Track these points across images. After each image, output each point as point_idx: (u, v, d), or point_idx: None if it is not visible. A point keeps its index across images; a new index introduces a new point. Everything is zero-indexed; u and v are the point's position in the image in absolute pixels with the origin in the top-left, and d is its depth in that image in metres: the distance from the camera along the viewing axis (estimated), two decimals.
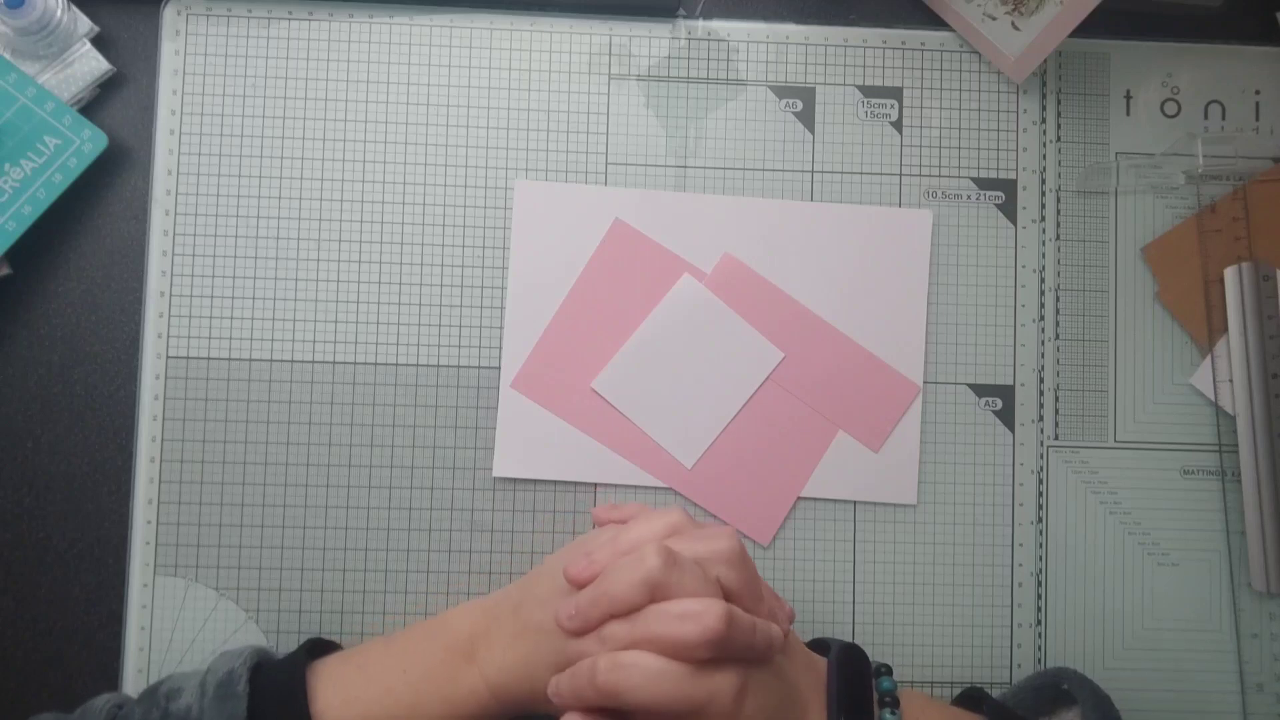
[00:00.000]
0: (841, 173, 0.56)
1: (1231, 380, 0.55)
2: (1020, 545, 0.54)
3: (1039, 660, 0.54)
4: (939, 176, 0.56)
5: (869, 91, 0.56)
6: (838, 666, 0.44)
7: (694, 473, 0.53)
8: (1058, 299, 0.56)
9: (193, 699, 0.43)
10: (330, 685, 0.44)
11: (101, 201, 0.54)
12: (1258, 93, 0.57)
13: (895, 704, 0.44)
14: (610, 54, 0.56)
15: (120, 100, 0.54)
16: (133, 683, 0.51)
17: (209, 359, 0.53)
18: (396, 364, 0.54)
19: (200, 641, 0.52)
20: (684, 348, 0.54)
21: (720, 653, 0.39)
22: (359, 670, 0.45)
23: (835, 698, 0.43)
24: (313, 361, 0.53)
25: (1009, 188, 0.56)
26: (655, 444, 0.53)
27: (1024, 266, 0.56)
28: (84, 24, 0.53)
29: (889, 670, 0.46)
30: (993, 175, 0.56)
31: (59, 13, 0.51)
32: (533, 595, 0.44)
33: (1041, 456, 0.55)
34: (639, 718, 0.40)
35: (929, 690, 0.54)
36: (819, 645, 0.47)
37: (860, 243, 0.55)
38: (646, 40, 0.56)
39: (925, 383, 0.54)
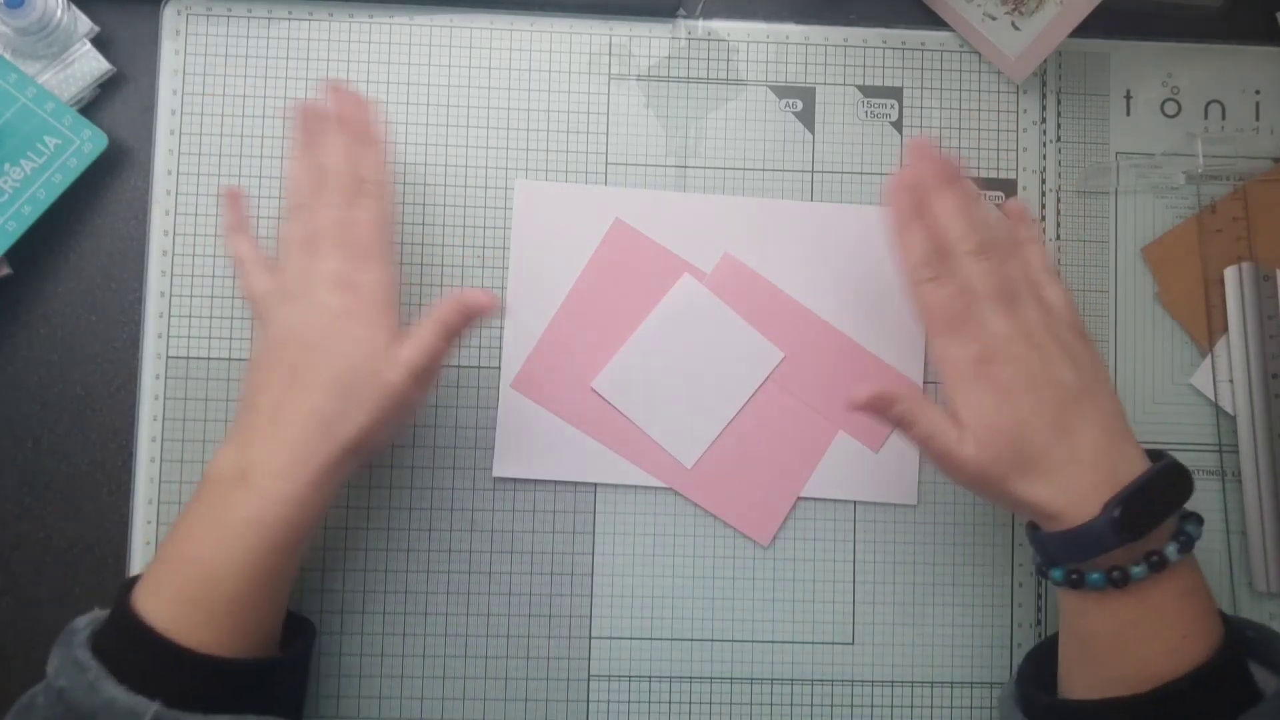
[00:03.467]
0: (841, 173, 0.56)
1: (1231, 380, 0.55)
2: (1020, 545, 0.54)
3: None
4: None
5: (869, 91, 0.56)
6: (1165, 470, 0.44)
7: (694, 472, 0.53)
8: None
9: (48, 676, 0.42)
10: (143, 592, 0.43)
11: (101, 201, 0.54)
12: (1258, 93, 0.57)
13: (1188, 545, 0.43)
14: (610, 54, 0.56)
15: (120, 100, 0.54)
16: None
17: (209, 359, 0.53)
18: None
19: None
20: (684, 347, 0.54)
21: None
22: (159, 562, 0.44)
23: (1134, 487, 0.43)
24: None
25: (1009, 188, 0.56)
26: (655, 443, 0.53)
27: None
28: (84, 24, 0.53)
29: (1200, 523, 0.44)
30: (993, 175, 0.56)
31: (59, 13, 0.51)
32: (253, 385, 0.45)
33: None
34: None
35: (929, 690, 0.54)
36: (1155, 455, 0.46)
37: (860, 242, 0.55)
38: (646, 40, 0.56)
39: (925, 383, 0.54)
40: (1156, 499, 0.43)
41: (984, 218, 0.48)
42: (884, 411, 0.47)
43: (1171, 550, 0.43)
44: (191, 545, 0.43)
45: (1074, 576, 0.44)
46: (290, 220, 0.48)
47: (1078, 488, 0.44)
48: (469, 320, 0.46)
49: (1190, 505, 0.45)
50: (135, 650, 0.42)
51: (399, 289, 0.46)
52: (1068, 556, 0.44)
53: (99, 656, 0.41)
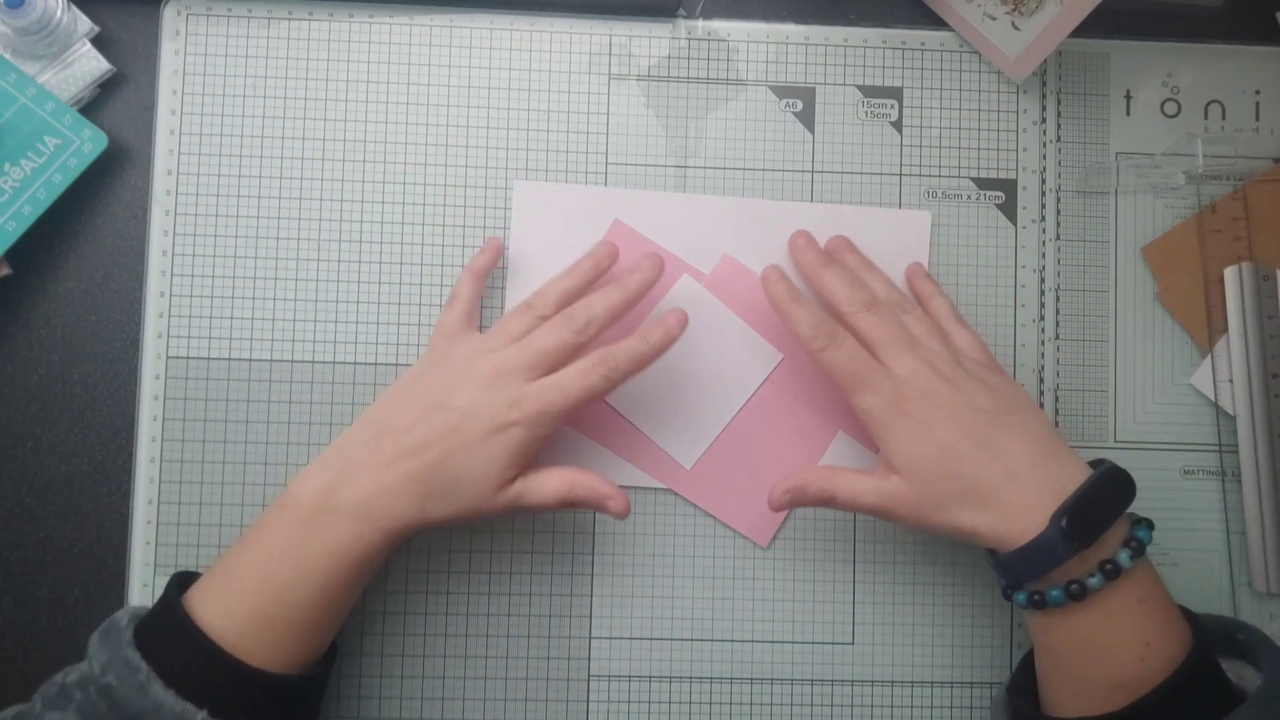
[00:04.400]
0: (841, 173, 0.56)
1: (1231, 380, 0.55)
2: None
3: None
4: (939, 176, 0.56)
5: (869, 91, 0.56)
6: (1106, 475, 0.45)
7: (693, 473, 0.53)
8: (1058, 299, 0.56)
9: (86, 668, 0.43)
10: (205, 602, 0.44)
11: (101, 201, 0.54)
12: (1258, 93, 0.57)
13: (1140, 551, 0.44)
14: (610, 54, 0.56)
15: (120, 100, 0.54)
16: None
17: (209, 359, 0.53)
18: (396, 364, 0.54)
19: None
20: (684, 348, 0.54)
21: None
22: (226, 576, 0.45)
23: (1077, 495, 0.44)
24: (313, 361, 0.53)
25: (1009, 188, 0.56)
26: (654, 444, 0.53)
27: (1024, 267, 0.56)
28: (84, 24, 0.53)
29: (1151, 528, 0.45)
30: (993, 175, 0.56)
31: (59, 13, 0.51)
32: (389, 427, 0.46)
33: None
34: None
35: (929, 690, 0.54)
36: (1095, 464, 0.47)
37: (860, 243, 0.54)
38: (646, 40, 0.56)
39: None
40: (1101, 504, 0.44)
41: (874, 282, 0.52)
42: (802, 499, 0.49)
43: (1124, 557, 0.44)
44: (270, 566, 0.45)
45: (1036, 598, 0.45)
46: (524, 313, 0.49)
47: (1019, 506, 0.44)
48: (593, 509, 0.49)
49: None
50: (188, 656, 0.43)
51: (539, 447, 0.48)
52: (1026, 574, 0.45)
53: (145, 656, 0.42)
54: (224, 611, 0.44)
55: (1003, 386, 0.48)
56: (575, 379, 0.47)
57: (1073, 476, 0.45)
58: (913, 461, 0.46)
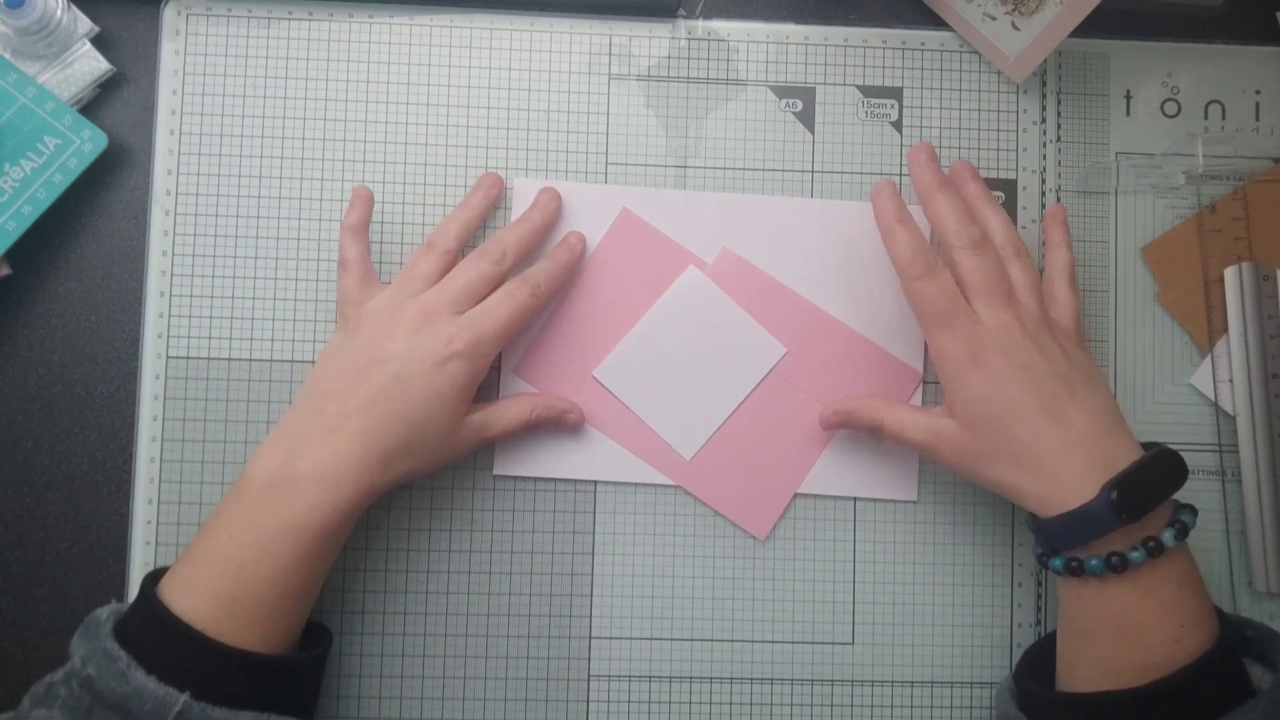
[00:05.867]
0: (841, 173, 0.56)
1: (1231, 380, 0.55)
2: (1020, 545, 0.54)
3: None
4: None
5: (869, 91, 0.56)
6: (1160, 455, 0.45)
7: (693, 465, 0.53)
8: None
9: (69, 665, 0.43)
10: (176, 590, 0.44)
11: (101, 201, 0.54)
12: (1258, 93, 0.57)
13: (1183, 533, 0.44)
14: (610, 54, 0.56)
15: (120, 100, 0.54)
16: None
17: (209, 359, 0.53)
18: None
19: None
20: (687, 339, 0.54)
21: None
22: (192, 563, 0.45)
23: (1130, 470, 0.44)
24: (312, 361, 0.53)
25: (1009, 188, 0.56)
26: (655, 434, 0.53)
27: None
28: (84, 24, 0.53)
29: (1195, 514, 0.45)
30: (993, 175, 0.56)
31: (59, 13, 0.51)
32: (329, 393, 0.47)
33: None
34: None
35: (929, 690, 0.54)
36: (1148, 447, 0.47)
37: (861, 239, 0.54)
38: (646, 40, 0.56)
39: (926, 382, 0.54)
40: (1152, 483, 0.44)
41: (990, 218, 0.50)
42: (852, 421, 0.50)
43: (1168, 536, 0.44)
44: (232, 546, 0.45)
45: (1074, 564, 0.45)
46: (427, 253, 0.50)
47: (1070, 475, 0.45)
48: (553, 427, 0.50)
49: (1190, 505, 0.45)
50: (166, 643, 0.43)
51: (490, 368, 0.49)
52: (1067, 541, 0.45)
53: (124, 647, 0.42)
54: (194, 597, 0.44)
55: (1081, 358, 0.48)
56: (503, 300, 0.49)
57: (1125, 454, 0.45)
58: (975, 413, 0.46)
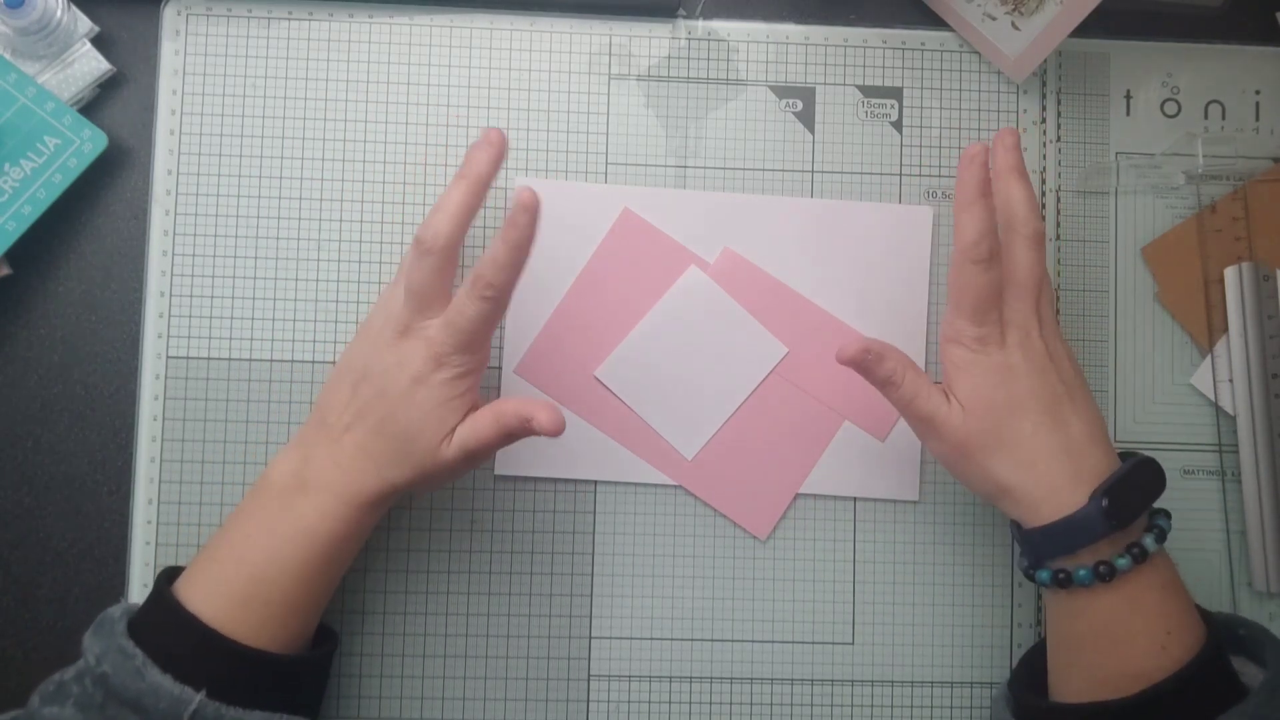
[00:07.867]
0: (841, 173, 0.56)
1: (1231, 380, 0.55)
2: None
3: None
4: (939, 176, 0.56)
5: (869, 91, 0.56)
6: (1143, 463, 0.46)
7: (694, 464, 0.53)
8: (1058, 298, 0.56)
9: (82, 663, 0.43)
10: (191, 588, 0.45)
11: (101, 201, 0.54)
12: (1258, 93, 0.57)
13: (1162, 537, 0.45)
14: (610, 54, 0.56)
15: (120, 100, 0.54)
16: None
17: (209, 359, 0.53)
18: None
19: None
20: (688, 339, 0.54)
21: None
22: (208, 561, 0.45)
23: (1118, 477, 0.45)
24: (313, 361, 0.53)
25: None
26: (656, 434, 0.53)
27: None
28: (84, 24, 0.53)
29: (1169, 517, 0.46)
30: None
31: (59, 13, 0.51)
32: (330, 407, 0.47)
33: None
34: None
35: (929, 690, 0.54)
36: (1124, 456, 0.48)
37: (862, 239, 0.55)
38: (646, 40, 0.56)
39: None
40: (1138, 489, 0.45)
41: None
42: (872, 367, 0.48)
43: (1149, 541, 0.44)
44: (246, 548, 0.45)
45: (1061, 576, 0.45)
46: (414, 244, 0.47)
47: (1059, 480, 0.45)
48: (529, 433, 0.46)
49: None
50: (181, 641, 0.43)
51: (480, 377, 0.48)
52: (1054, 551, 0.45)
53: (139, 645, 0.42)
54: (208, 595, 0.44)
55: (1071, 363, 0.49)
56: (463, 310, 0.45)
57: (1109, 465, 0.46)
58: (980, 400, 0.46)
